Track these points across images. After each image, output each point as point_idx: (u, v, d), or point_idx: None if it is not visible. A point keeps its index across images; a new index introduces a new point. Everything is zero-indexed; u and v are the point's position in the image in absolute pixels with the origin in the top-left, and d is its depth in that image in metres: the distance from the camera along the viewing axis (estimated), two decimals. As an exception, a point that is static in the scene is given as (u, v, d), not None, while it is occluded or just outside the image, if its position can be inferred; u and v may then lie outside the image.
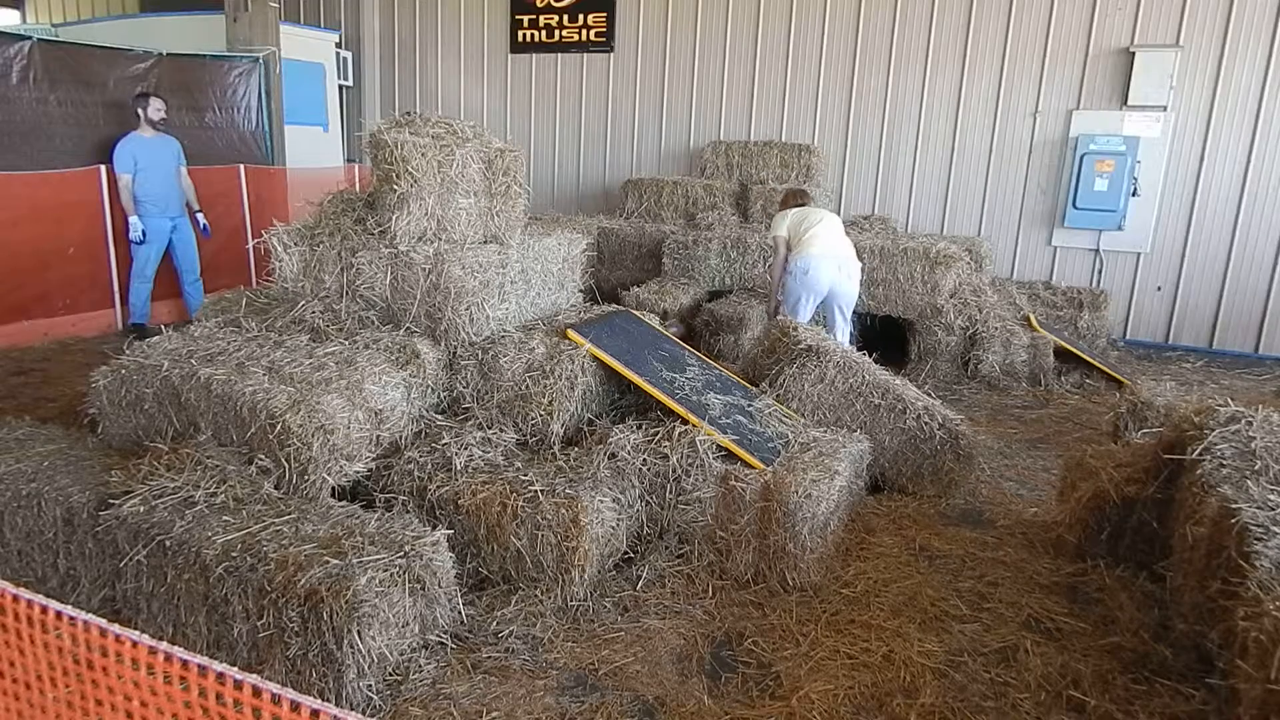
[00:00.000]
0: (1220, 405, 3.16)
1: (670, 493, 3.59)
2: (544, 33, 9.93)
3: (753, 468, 3.60)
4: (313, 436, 3.21)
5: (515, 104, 10.31)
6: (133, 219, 6.57)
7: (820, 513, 3.44)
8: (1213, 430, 3.01)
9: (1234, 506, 2.58)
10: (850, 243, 5.95)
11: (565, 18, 9.77)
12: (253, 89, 8.24)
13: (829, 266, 5.71)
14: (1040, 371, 6.48)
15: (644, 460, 3.58)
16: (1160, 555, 3.31)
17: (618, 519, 3.42)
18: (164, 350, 3.61)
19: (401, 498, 3.42)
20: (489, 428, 3.79)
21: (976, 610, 3.33)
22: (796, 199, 6.25)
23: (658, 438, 3.69)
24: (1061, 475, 4.04)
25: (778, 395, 4.38)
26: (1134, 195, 7.76)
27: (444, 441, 3.61)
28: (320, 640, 2.57)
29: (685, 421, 3.77)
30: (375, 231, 4.07)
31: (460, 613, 3.03)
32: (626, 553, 3.54)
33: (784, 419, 4.10)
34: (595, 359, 4.01)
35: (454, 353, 4.01)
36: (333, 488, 3.37)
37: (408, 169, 3.95)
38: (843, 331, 6.01)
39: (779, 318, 5.86)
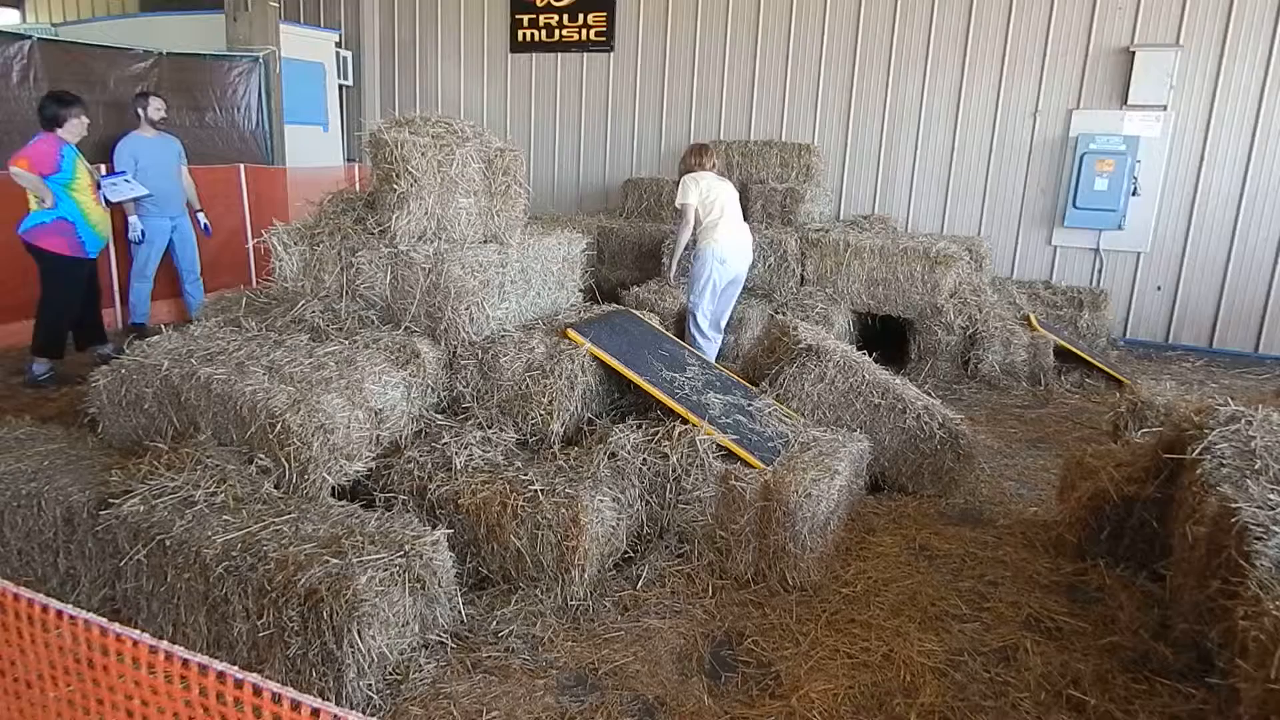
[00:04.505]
0: (1220, 405, 3.16)
1: (670, 492, 3.59)
2: (544, 32, 9.93)
3: (753, 467, 3.60)
4: (312, 436, 3.21)
5: (515, 104, 10.31)
6: (132, 219, 6.56)
7: (820, 512, 3.44)
8: (1213, 430, 3.01)
9: (1234, 506, 2.58)
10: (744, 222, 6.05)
11: (565, 17, 9.77)
12: (253, 89, 8.24)
13: (740, 255, 5.85)
14: (1040, 371, 6.48)
15: (644, 460, 3.58)
16: (1160, 555, 3.31)
17: (618, 518, 3.42)
18: (164, 350, 3.61)
19: (401, 497, 3.42)
20: (489, 427, 3.80)
21: (976, 610, 3.33)
22: (699, 157, 5.92)
23: (658, 437, 3.69)
24: (1061, 475, 4.04)
25: (778, 395, 4.39)
26: (1134, 195, 7.76)
27: (444, 441, 3.62)
28: (320, 639, 2.57)
29: (685, 421, 3.77)
30: (375, 231, 4.08)
31: (460, 612, 3.03)
32: (626, 552, 3.54)
33: (784, 418, 4.10)
34: (595, 358, 4.01)
35: (454, 352, 4.01)
36: (333, 487, 3.37)
37: (408, 168, 3.95)
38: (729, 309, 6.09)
39: (679, 286, 6.00)
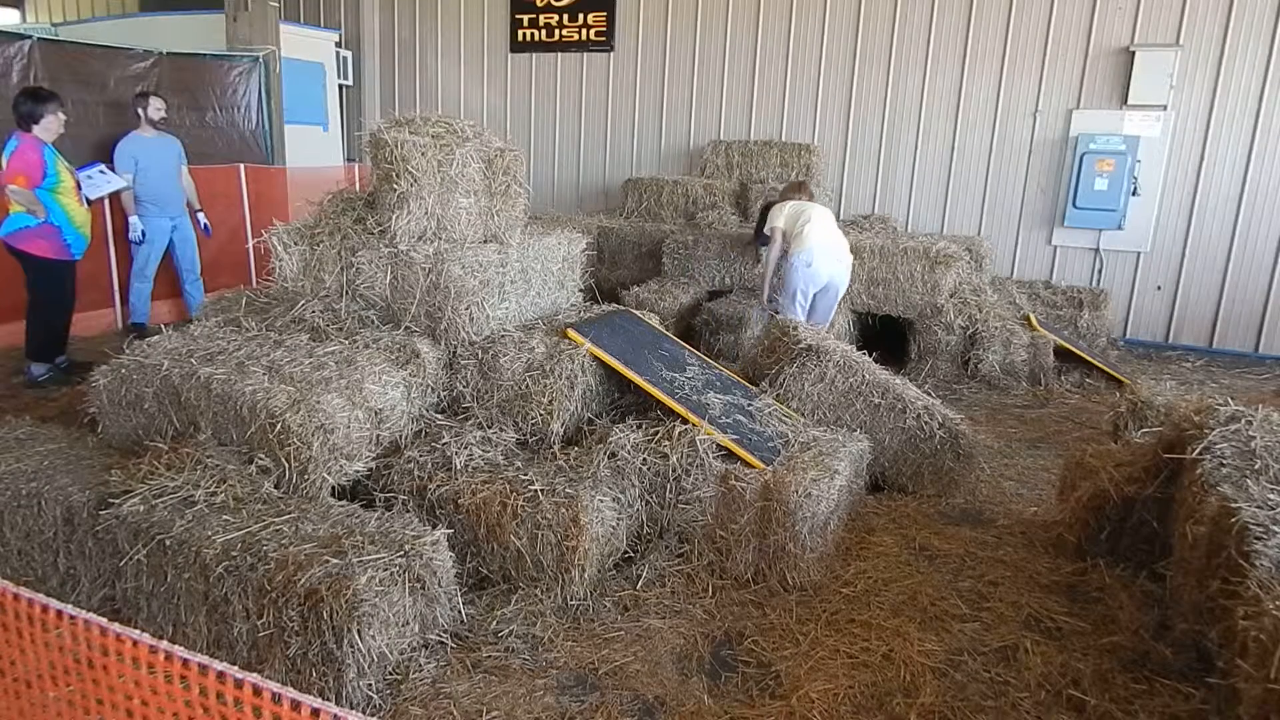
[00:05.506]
0: (1220, 404, 3.16)
1: (670, 492, 3.59)
2: (544, 32, 9.93)
3: (753, 467, 3.60)
4: (313, 436, 3.21)
5: (515, 104, 10.31)
6: (133, 219, 6.56)
7: (820, 512, 3.44)
8: (1213, 429, 3.01)
9: (1234, 506, 2.58)
10: (843, 235, 6.06)
11: (565, 17, 9.77)
12: (253, 89, 8.24)
13: (829, 259, 5.81)
14: (1040, 371, 6.48)
15: (644, 460, 3.58)
16: (1160, 555, 3.31)
17: (618, 518, 3.42)
18: (164, 350, 3.61)
19: (401, 497, 3.42)
20: (489, 427, 3.79)
21: (976, 610, 3.33)
22: (796, 192, 6.30)
23: (658, 437, 3.69)
24: (1061, 475, 4.04)
25: (778, 395, 4.39)
26: (1134, 195, 7.76)
27: (444, 441, 3.61)
28: (320, 639, 2.57)
29: (685, 421, 3.77)
30: (375, 231, 4.08)
31: (460, 612, 3.03)
32: (626, 552, 3.54)
33: (784, 418, 4.10)
34: (595, 358, 4.01)
35: (454, 352, 4.01)
36: (332, 487, 3.37)
37: (408, 168, 3.95)
38: (827, 320, 6.12)
39: (774, 310, 5.90)
